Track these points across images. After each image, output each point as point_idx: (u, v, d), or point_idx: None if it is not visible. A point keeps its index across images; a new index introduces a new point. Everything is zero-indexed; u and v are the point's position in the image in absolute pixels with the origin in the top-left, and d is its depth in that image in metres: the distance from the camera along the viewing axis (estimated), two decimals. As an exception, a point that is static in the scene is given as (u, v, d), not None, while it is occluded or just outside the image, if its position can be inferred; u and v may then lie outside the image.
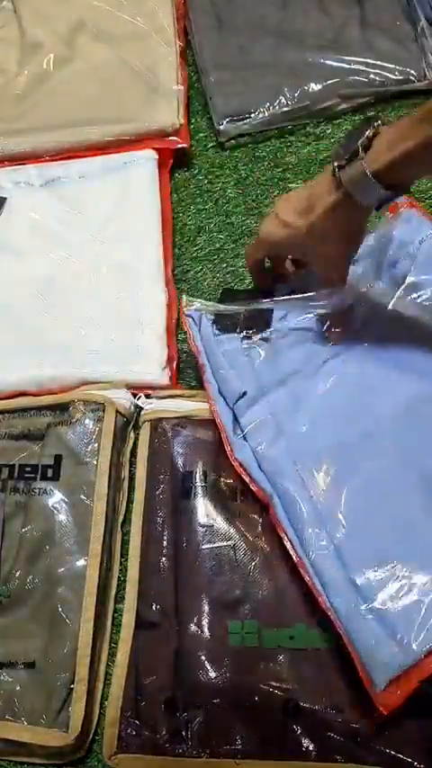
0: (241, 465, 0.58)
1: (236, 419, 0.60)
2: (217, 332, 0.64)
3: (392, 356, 0.62)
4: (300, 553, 0.54)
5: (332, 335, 0.63)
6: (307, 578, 0.53)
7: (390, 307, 0.63)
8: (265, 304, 0.64)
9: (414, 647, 0.47)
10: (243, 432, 0.59)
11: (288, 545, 0.55)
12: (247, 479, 0.58)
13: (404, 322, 0.63)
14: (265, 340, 0.64)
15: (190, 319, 0.65)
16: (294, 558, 0.54)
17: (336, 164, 0.52)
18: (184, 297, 0.66)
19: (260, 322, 0.64)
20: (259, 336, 0.64)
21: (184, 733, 0.52)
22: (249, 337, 0.64)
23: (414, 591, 0.49)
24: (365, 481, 0.56)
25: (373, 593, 0.50)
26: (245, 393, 0.60)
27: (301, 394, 0.61)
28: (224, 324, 0.64)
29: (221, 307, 0.65)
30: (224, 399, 0.61)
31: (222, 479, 0.61)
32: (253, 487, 0.58)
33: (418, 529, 0.53)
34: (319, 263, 0.60)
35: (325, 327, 0.63)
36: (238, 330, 0.64)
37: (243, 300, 0.66)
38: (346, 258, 0.59)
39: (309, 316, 0.63)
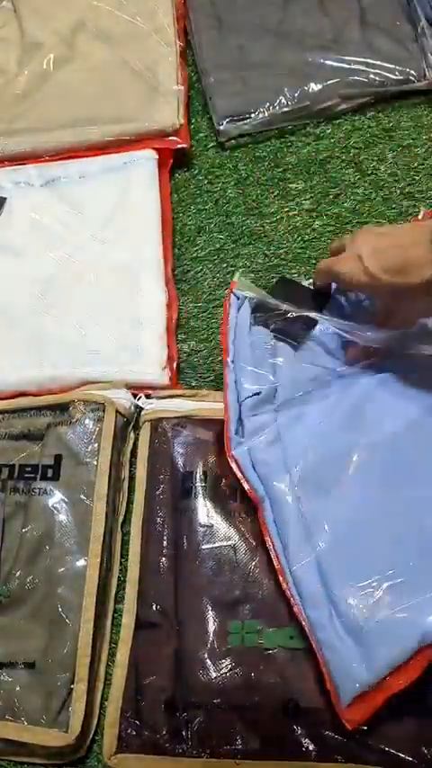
0: (237, 462, 0.58)
1: (240, 415, 0.60)
2: (252, 321, 0.63)
3: (404, 388, 0.61)
4: (282, 560, 0.54)
5: (353, 363, 0.63)
6: (285, 586, 0.53)
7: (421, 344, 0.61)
8: (309, 315, 0.62)
9: (381, 665, 0.48)
10: (244, 429, 0.59)
11: (271, 550, 0.55)
12: (240, 477, 0.58)
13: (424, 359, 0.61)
14: (293, 345, 0.63)
15: (234, 298, 0.64)
16: (276, 564, 0.54)
17: None
18: (238, 274, 0.66)
19: (296, 329, 0.63)
20: (288, 339, 0.63)
21: (184, 733, 0.52)
22: (279, 338, 0.63)
23: (388, 610, 0.50)
24: (355, 498, 0.56)
25: (349, 610, 0.50)
26: (258, 393, 0.59)
27: (308, 406, 0.61)
28: (262, 316, 0.63)
29: (269, 299, 0.64)
30: (237, 391, 0.61)
31: (222, 479, 0.61)
32: (245, 486, 0.57)
33: (401, 550, 0.53)
34: (387, 314, 0.58)
35: (349, 354, 0.63)
36: (271, 327, 0.63)
37: (294, 295, 0.65)
38: (415, 316, 0.57)
39: (340, 337, 0.62)
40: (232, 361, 0.61)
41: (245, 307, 0.64)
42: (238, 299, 0.64)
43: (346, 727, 0.48)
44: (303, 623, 0.52)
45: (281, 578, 0.54)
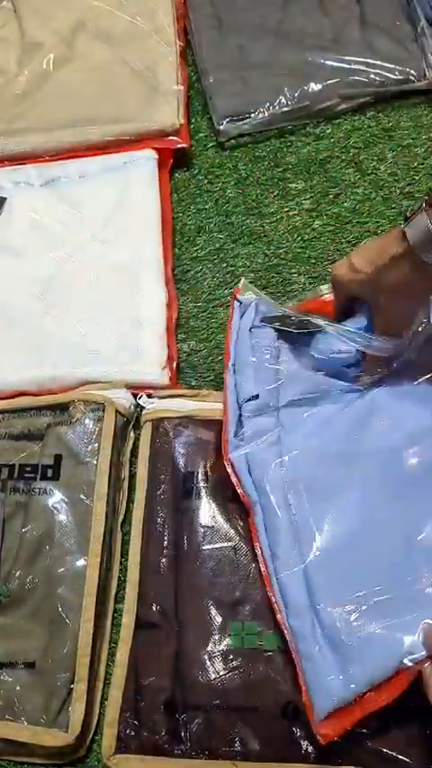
0: (233, 465, 0.57)
1: (240, 418, 0.59)
2: (257, 323, 0.62)
3: (410, 400, 0.59)
4: (269, 567, 0.54)
5: (362, 376, 0.61)
6: (270, 593, 0.53)
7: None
8: (313, 321, 0.61)
9: (361, 682, 0.47)
10: (243, 432, 0.58)
11: (260, 555, 0.54)
12: (234, 481, 0.57)
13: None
14: (297, 351, 0.62)
15: (237, 303, 0.64)
16: (263, 569, 0.54)
17: (406, 214, 0.50)
18: (243, 280, 0.65)
19: (299, 334, 0.61)
20: (292, 345, 0.62)
21: (182, 734, 0.52)
22: (283, 342, 0.62)
23: (372, 628, 0.49)
24: (351, 509, 0.55)
25: (332, 622, 0.50)
26: (257, 396, 0.59)
27: (310, 412, 0.60)
28: (266, 320, 0.62)
29: (272, 303, 0.64)
30: (237, 394, 0.60)
31: (224, 480, 0.60)
32: (239, 490, 0.57)
33: (392, 565, 0.52)
34: (378, 314, 0.58)
35: (360, 366, 0.61)
36: (275, 331, 0.62)
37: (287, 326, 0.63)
38: (405, 314, 0.56)
39: (349, 347, 0.60)
40: (233, 364, 0.61)
41: (249, 310, 0.63)
42: (241, 303, 0.64)
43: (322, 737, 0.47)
44: (285, 632, 0.51)
45: (267, 585, 0.53)
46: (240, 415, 0.59)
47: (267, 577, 0.53)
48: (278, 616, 0.52)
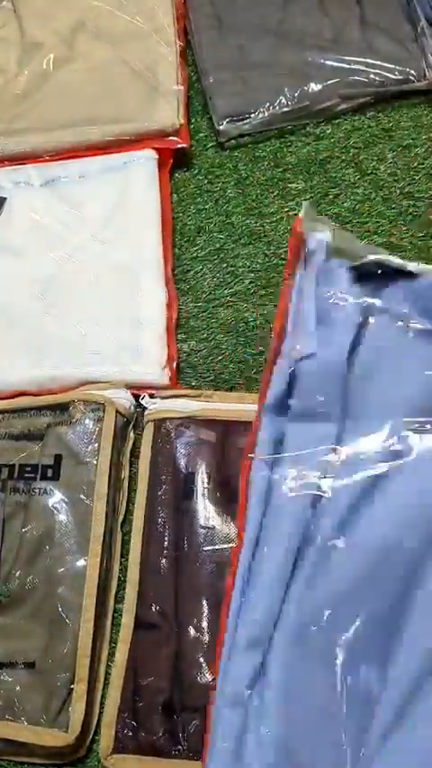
0: (247, 489, 0.49)
1: (279, 418, 0.45)
2: (327, 268, 0.44)
3: None
4: (228, 627, 0.48)
5: None
6: (217, 657, 0.48)
7: None
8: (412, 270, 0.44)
9: None
10: (275, 451, 0.46)
11: (224, 605, 0.49)
12: (240, 506, 0.50)
13: None
14: (394, 321, 0.43)
15: (305, 242, 0.46)
16: (221, 626, 0.49)
17: None
18: (306, 204, 0.49)
19: (393, 288, 0.44)
20: (385, 310, 0.44)
21: (180, 735, 0.52)
22: (372, 299, 0.44)
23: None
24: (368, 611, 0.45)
25: (263, 738, 0.44)
26: (311, 355, 0.41)
27: (396, 471, 0.42)
28: (348, 266, 0.45)
29: (359, 244, 0.47)
30: (289, 361, 0.43)
31: (225, 482, 0.60)
32: (238, 521, 0.49)
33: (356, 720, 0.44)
34: None
35: None
36: (360, 271, 0.45)
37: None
38: None
39: None
40: (291, 328, 0.44)
41: (316, 251, 0.46)
42: (308, 243, 0.46)
43: None
44: (209, 718, 0.46)
45: (217, 646, 0.48)
46: (280, 411, 0.43)
47: (220, 641, 0.49)
48: (210, 706, 0.47)
